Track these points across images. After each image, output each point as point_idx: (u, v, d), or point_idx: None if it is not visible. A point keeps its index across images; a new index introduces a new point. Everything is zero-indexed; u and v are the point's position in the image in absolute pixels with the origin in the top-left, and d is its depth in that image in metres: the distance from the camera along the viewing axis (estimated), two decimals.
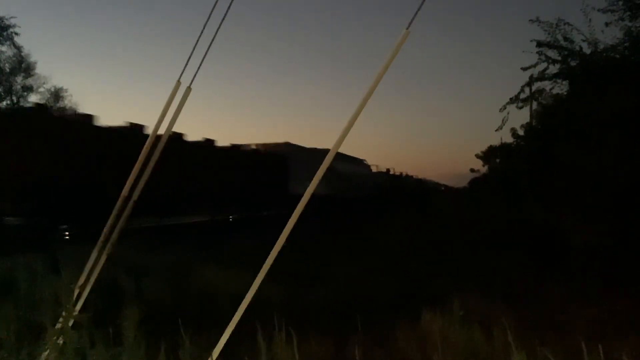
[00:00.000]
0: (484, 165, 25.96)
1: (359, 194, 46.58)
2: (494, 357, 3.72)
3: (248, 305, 2.79)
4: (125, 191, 3.21)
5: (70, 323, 2.71)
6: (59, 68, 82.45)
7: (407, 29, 2.76)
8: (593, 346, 3.34)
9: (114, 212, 3.19)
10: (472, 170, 28.25)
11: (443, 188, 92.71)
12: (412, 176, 78.06)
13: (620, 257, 8.02)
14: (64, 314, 2.71)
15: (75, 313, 2.73)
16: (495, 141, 23.77)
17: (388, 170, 62.60)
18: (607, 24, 12.11)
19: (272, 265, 2.80)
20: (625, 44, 12.04)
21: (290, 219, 2.81)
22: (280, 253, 2.80)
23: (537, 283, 7.18)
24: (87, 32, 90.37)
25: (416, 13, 2.73)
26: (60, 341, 2.65)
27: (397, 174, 69.11)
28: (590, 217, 10.04)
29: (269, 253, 2.79)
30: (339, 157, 42.55)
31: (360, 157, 52.61)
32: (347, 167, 44.47)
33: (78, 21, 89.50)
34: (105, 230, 3.18)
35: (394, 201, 42.40)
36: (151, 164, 3.21)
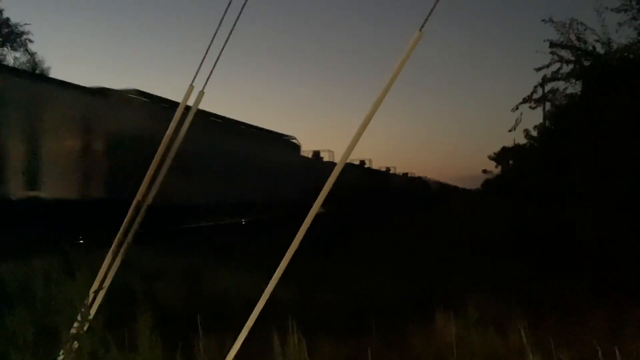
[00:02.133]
0: (496, 167, 25.86)
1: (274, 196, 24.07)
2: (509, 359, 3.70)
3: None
4: (139, 195, 3.23)
5: (85, 327, 2.73)
6: (69, 70, 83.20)
7: (420, 30, 2.74)
8: (609, 349, 3.31)
9: (128, 216, 3.20)
10: (484, 171, 28.12)
11: (453, 189, 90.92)
12: (408, 174, 60.90)
13: (637, 261, 7.92)
14: (79, 318, 2.73)
15: (90, 317, 2.75)
16: (508, 143, 23.67)
17: (362, 162, 41.82)
18: (620, 24, 12.03)
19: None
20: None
21: (303, 223, 2.81)
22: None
23: (551, 285, 7.12)
24: (98, 35, 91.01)
25: (429, 14, 2.71)
26: (76, 345, 2.67)
27: (383, 169, 49.40)
28: (606, 220, 9.94)
29: None
30: (232, 128, 21.19)
31: (288, 135, 27.37)
32: (247, 150, 21.61)
33: (89, 24, 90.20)
34: (119, 234, 3.19)
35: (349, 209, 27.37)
36: (164, 168, 3.22)
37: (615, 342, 3.50)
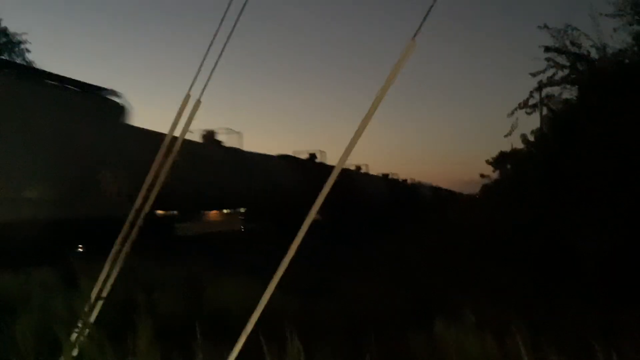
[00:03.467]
0: (494, 171, 25.82)
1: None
2: None
3: (258, 317, 2.81)
4: (137, 203, 3.25)
5: (85, 334, 2.75)
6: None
7: (412, 38, 2.76)
8: (606, 354, 3.34)
9: (127, 223, 3.23)
10: (482, 176, 28.05)
11: (449, 194, 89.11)
12: (388, 175, 48.25)
13: (634, 267, 7.93)
14: (79, 325, 2.75)
15: (90, 325, 2.77)
16: (505, 147, 23.68)
17: (312, 156, 29.58)
18: (615, 29, 12.08)
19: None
20: (635, 49, 11.99)
21: (299, 231, 2.82)
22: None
23: (549, 292, 7.14)
24: (95, 43, 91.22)
25: (421, 24, 2.74)
26: (76, 353, 2.69)
27: (359, 169, 37.22)
28: (604, 226, 9.95)
29: None
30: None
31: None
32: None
33: (87, 30, 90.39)
34: (118, 242, 3.21)
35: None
36: (162, 176, 3.25)
37: (612, 346, 3.52)
